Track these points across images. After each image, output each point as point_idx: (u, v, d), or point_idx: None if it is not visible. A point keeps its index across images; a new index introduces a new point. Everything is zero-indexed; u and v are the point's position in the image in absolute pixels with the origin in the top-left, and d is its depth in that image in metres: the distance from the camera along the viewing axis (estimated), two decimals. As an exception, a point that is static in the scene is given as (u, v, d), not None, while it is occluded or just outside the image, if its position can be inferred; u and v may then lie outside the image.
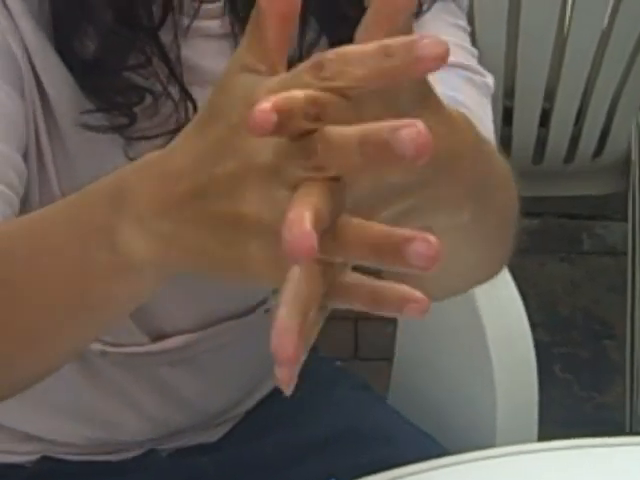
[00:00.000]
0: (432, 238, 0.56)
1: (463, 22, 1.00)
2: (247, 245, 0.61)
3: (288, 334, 0.56)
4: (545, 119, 1.91)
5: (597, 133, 1.94)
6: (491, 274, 0.91)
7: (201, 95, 0.90)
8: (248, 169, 0.60)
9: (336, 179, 0.58)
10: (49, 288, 0.74)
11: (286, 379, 0.56)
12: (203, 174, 0.62)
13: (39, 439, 1.03)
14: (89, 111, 0.87)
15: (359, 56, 0.58)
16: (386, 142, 0.55)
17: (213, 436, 1.09)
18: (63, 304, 0.74)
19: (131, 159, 0.87)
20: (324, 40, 0.93)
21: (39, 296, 0.75)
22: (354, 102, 0.59)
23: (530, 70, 1.86)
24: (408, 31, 0.61)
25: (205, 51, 0.93)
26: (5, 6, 0.85)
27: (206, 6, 0.92)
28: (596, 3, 1.81)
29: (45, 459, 1.03)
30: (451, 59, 0.85)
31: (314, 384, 1.08)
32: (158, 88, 0.89)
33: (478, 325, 1.13)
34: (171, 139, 0.77)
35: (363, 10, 0.74)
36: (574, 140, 1.94)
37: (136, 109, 0.88)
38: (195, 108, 0.89)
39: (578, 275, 2.39)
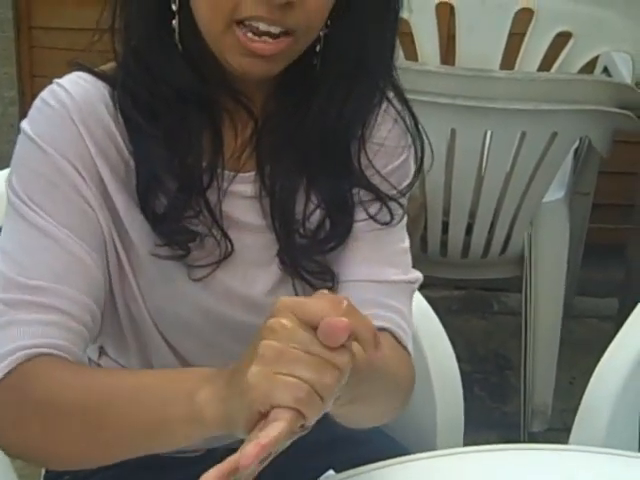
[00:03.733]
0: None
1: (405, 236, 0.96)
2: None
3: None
4: (469, 230, 1.86)
5: (503, 239, 1.89)
6: (393, 415, 0.93)
7: (236, 236, 0.89)
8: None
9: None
10: (132, 421, 0.74)
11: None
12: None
13: None
14: (159, 245, 0.87)
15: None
16: None
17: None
18: (142, 430, 0.75)
19: (193, 280, 0.88)
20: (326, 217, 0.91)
21: (124, 426, 0.75)
22: None
23: (460, 199, 1.81)
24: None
25: (239, 207, 0.90)
26: (104, 185, 0.85)
27: (242, 175, 0.90)
28: (502, 158, 1.76)
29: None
30: (396, 277, 0.93)
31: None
32: (205, 231, 0.88)
33: (424, 363, 1.12)
34: (217, 267, 0.88)
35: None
36: (488, 243, 1.89)
37: (190, 245, 0.87)
38: (232, 246, 0.88)
39: (490, 327, 2.34)
